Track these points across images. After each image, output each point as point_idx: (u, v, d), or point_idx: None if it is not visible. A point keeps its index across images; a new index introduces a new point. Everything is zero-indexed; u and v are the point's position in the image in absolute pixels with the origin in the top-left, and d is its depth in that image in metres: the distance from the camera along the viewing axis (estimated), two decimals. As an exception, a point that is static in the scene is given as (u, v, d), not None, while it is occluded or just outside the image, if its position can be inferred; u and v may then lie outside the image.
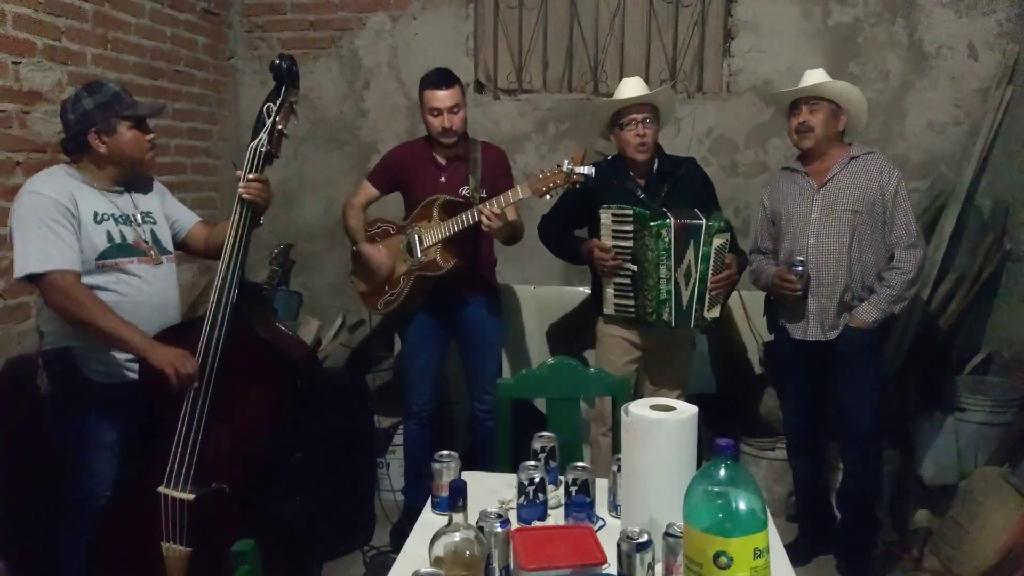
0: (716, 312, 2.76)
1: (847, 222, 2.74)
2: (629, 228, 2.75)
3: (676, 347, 2.99)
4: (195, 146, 3.82)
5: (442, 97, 2.89)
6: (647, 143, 2.83)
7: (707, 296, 2.73)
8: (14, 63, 2.68)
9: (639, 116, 2.81)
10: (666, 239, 2.69)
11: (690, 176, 2.94)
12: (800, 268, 2.75)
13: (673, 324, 2.75)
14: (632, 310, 2.81)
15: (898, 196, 2.75)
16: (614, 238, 2.78)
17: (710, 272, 2.70)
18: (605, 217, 2.79)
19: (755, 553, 1.23)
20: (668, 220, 2.69)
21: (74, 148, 2.25)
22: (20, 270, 2.12)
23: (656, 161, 2.92)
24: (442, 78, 2.91)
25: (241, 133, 4.18)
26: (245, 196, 2.19)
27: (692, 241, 2.69)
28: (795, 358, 2.92)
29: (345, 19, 4.07)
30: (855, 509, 2.95)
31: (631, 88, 2.86)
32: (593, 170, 2.56)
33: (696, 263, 2.70)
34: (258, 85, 4.15)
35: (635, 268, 2.76)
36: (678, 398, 2.56)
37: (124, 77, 3.18)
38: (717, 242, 2.69)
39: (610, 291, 2.85)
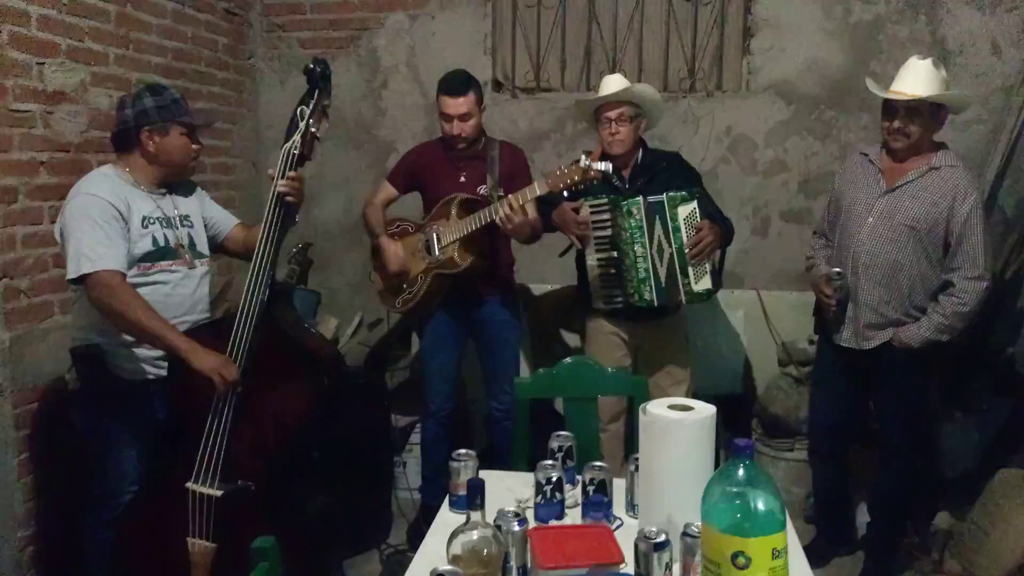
0: (707, 283, 2.78)
1: (901, 237, 2.61)
2: (607, 216, 2.83)
3: (668, 341, 3.03)
4: (215, 145, 3.84)
5: (452, 105, 2.90)
6: (619, 139, 2.88)
7: (689, 268, 2.75)
8: (38, 64, 2.71)
9: (612, 114, 2.87)
10: (637, 216, 2.76)
11: (672, 169, 2.97)
12: (838, 281, 2.70)
13: (655, 302, 2.80)
14: (619, 299, 2.88)
15: (969, 221, 2.53)
16: (594, 228, 2.85)
17: (685, 243, 2.74)
18: (584, 210, 2.84)
19: (774, 554, 1.23)
20: (638, 199, 2.77)
21: (123, 143, 2.32)
22: (73, 271, 2.16)
23: (639, 155, 2.98)
24: (455, 85, 2.91)
25: (260, 132, 4.21)
26: (282, 190, 2.21)
27: (658, 217, 2.75)
28: (833, 361, 2.88)
29: (364, 19, 4.08)
30: (883, 511, 2.93)
31: (609, 85, 2.90)
32: (610, 166, 2.56)
33: (669, 238, 2.74)
34: (278, 85, 4.18)
35: (615, 254, 2.82)
36: (684, 394, 2.57)
37: (146, 77, 3.21)
38: (683, 212, 2.74)
39: (596, 283, 2.92)
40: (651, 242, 2.77)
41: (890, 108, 2.62)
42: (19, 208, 2.67)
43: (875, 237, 2.67)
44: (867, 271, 2.68)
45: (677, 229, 2.74)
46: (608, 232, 2.84)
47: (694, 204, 2.75)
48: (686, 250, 2.74)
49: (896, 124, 2.59)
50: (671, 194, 2.74)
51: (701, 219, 2.75)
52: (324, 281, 4.22)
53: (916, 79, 2.55)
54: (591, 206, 2.84)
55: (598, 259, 2.89)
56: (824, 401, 3.00)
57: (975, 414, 3.25)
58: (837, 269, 2.71)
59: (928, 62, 2.57)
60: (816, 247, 2.98)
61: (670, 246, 2.75)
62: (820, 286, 2.78)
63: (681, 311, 3.04)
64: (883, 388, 2.80)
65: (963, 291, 2.56)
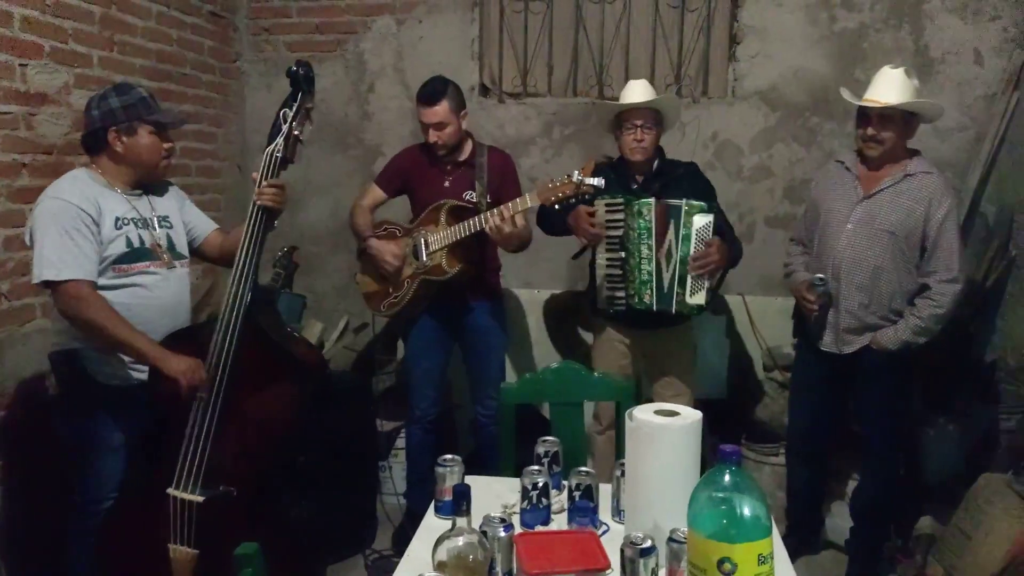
0: (700, 298, 2.76)
1: (880, 242, 2.67)
2: (620, 216, 2.80)
3: (674, 351, 3.01)
4: (200, 148, 3.83)
5: (426, 114, 2.90)
6: (643, 147, 2.88)
7: (688, 279, 2.74)
8: (21, 65, 2.68)
9: (638, 121, 2.86)
10: (647, 217, 2.75)
11: (688, 178, 2.97)
12: (821, 287, 2.73)
13: (655, 307, 2.79)
14: (622, 301, 2.85)
15: (944, 226, 2.60)
16: (607, 227, 2.83)
17: (691, 253, 2.72)
18: (599, 208, 2.82)
19: (759, 559, 1.23)
20: (650, 200, 2.75)
21: (93, 144, 2.29)
22: (36, 276, 2.15)
23: (656, 162, 2.97)
24: (428, 95, 2.90)
25: (246, 136, 4.19)
26: (260, 203, 2.20)
27: (672, 222, 2.74)
28: (813, 365, 2.91)
29: (351, 22, 4.08)
30: (866, 514, 2.95)
31: (635, 91, 2.90)
32: (603, 181, 2.56)
33: (677, 245, 2.74)
34: (264, 88, 4.16)
35: (623, 254, 2.81)
36: (686, 403, 2.57)
37: (130, 80, 3.18)
38: (698, 223, 2.72)
39: (602, 284, 2.90)
40: (660, 246, 2.76)
41: (864, 116, 2.68)
42: (0, 210, 2.64)
43: (855, 243, 2.71)
44: (848, 276, 2.72)
45: (687, 238, 2.72)
46: (619, 232, 2.82)
47: (710, 217, 2.73)
48: (688, 261, 2.72)
49: (870, 131, 2.66)
50: (690, 201, 2.73)
51: (713, 235, 2.73)
52: (309, 285, 4.20)
53: (889, 88, 2.62)
54: (606, 204, 2.81)
55: (607, 259, 2.86)
56: (803, 403, 3.03)
57: (958, 419, 3.28)
58: (820, 275, 2.73)
59: (900, 71, 2.63)
60: (793, 254, 3.01)
61: (677, 253, 2.74)
62: (802, 292, 2.80)
63: (689, 322, 3.03)
64: (864, 392, 2.83)
65: (938, 293, 2.62)
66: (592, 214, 2.79)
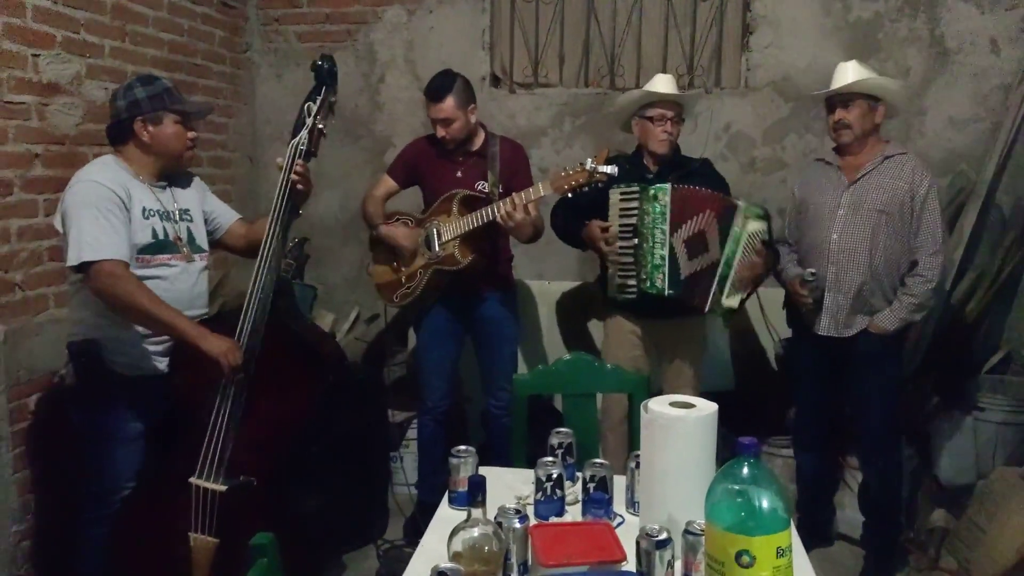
0: (734, 302, 2.74)
1: (873, 222, 2.72)
2: (635, 205, 2.78)
3: (686, 343, 2.99)
4: (211, 139, 3.82)
5: (433, 110, 2.90)
6: (672, 139, 2.89)
7: (729, 280, 2.71)
8: (33, 56, 2.68)
9: (669, 113, 2.85)
10: (662, 201, 2.72)
11: (703, 173, 2.95)
12: (812, 281, 2.74)
13: (666, 291, 2.75)
14: (633, 288, 2.82)
15: (927, 201, 2.71)
16: (621, 216, 2.80)
17: (739, 255, 2.70)
18: (614, 196, 2.80)
19: (778, 552, 1.22)
20: (665, 185, 2.73)
21: (118, 135, 2.30)
22: (74, 258, 2.14)
23: (672, 155, 2.95)
24: (435, 90, 2.89)
25: (257, 126, 4.19)
26: (295, 179, 2.24)
27: (725, 220, 2.71)
28: (811, 354, 2.92)
29: (361, 12, 4.07)
30: (875, 509, 2.94)
31: (661, 84, 2.88)
32: (616, 169, 2.54)
33: (724, 243, 2.71)
34: (274, 78, 4.16)
35: (636, 241, 2.78)
36: (692, 393, 2.55)
37: (142, 70, 3.18)
38: (752, 227, 2.70)
39: (614, 272, 2.87)
40: (676, 230, 2.72)
41: (830, 105, 2.79)
42: (13, 201, 2.65)
43: (848, 226, 2.76)
44: (846, 260, 2.76)
45: (737, 239, 2.70)
46: (633, 220, 2.78)
47: (764, 225, 2.72)
48: (734, 263, 2.70)
49: (837, 115, 2.76)
50: (747, 204, 2.72)
51: (761, 246, 2.71)
52: (320, 276, 4.20)
53: (846, 75, 2.75)
54: (621, 193, 2.79)
55: (620, 247, 2.82)
56: (803, 392, 3.04)
57: (971, 413, 3.26)
58: (811, 270, 2.75)
59: (854, 61, 2.79)
60: (783, 253, 3.00)
61: (720, 251, 2.72)
62: (795, 287, 2.81)
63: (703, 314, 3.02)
64: (860, 378, 2.83)
65: (927, 268, 2.72)
66: (605, 229, 2.78)
